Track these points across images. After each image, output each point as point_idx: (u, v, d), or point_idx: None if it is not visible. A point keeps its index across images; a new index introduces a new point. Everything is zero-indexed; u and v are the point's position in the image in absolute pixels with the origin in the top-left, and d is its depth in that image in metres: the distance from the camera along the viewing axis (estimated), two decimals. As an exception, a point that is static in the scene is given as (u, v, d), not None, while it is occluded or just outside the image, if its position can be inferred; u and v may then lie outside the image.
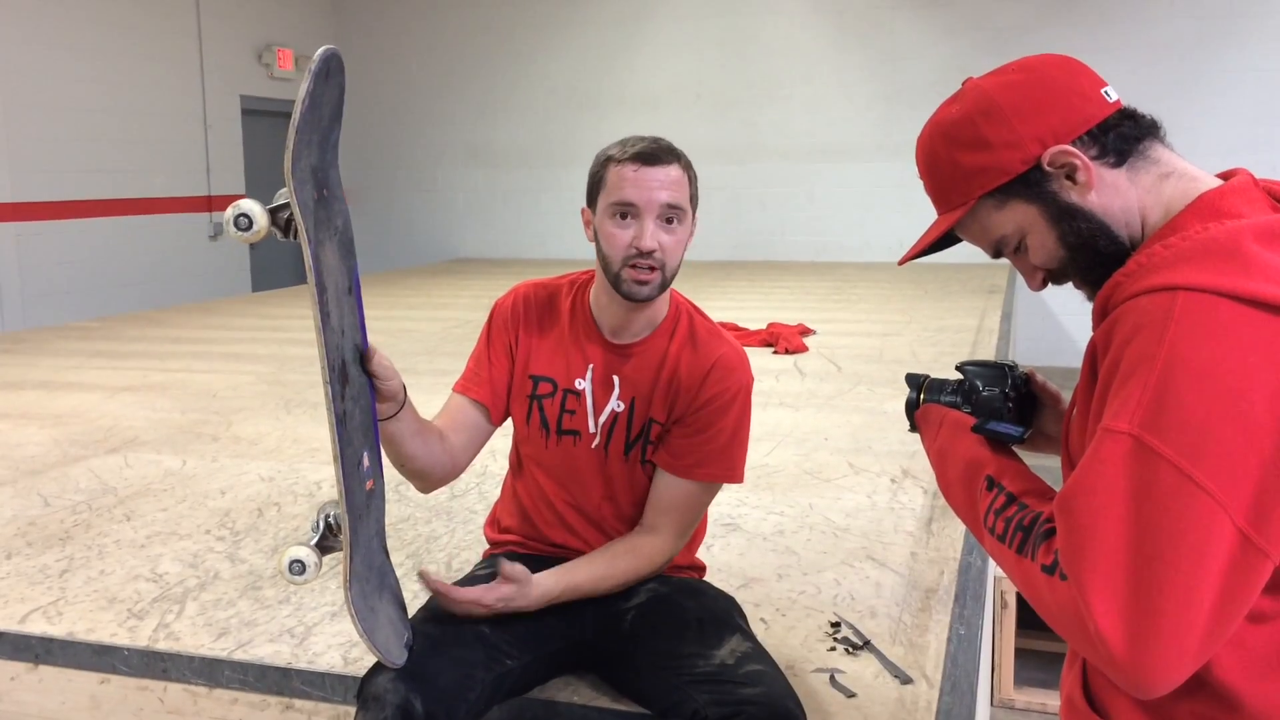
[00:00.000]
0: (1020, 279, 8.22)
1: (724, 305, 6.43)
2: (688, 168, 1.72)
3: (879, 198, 8.93)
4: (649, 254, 1.66)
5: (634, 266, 1.67)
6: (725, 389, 1.75)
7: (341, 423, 1.41)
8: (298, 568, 1.43)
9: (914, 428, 1.40)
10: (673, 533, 1.77)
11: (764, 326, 5.53)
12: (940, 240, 1.23)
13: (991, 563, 3.28)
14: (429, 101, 10.22)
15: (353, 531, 1.43)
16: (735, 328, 5.53)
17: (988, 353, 4.99)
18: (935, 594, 2.24)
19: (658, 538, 1.76)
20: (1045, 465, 1.29)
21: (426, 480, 1.74)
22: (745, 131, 9.35)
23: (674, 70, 9.48)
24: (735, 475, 1.80)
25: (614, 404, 1.77)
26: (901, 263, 1.29)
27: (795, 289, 7.56)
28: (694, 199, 1.74)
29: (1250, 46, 8.08)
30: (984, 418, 1.28)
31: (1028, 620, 3.57)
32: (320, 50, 1.35)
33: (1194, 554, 0.92)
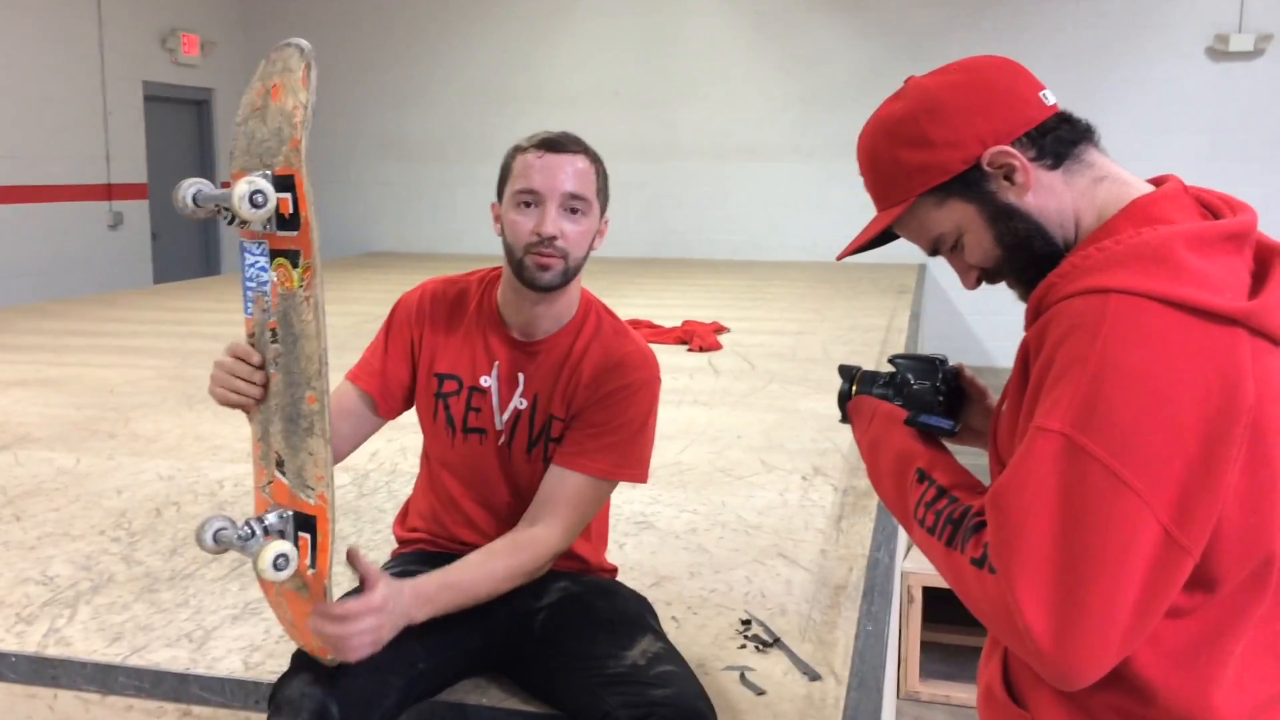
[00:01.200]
0: (928, 280, 8.29)
1: (640, 302, 6.43)
2: (596, 161, 1.71)
3: (795, 197, 9.03)
4: (550, 240, 1.64)
5: (537, 253, 1.65)
6: (627, 384, 1.72)
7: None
8: (283, 562, 1.38)
9: (846, 419, 1.40)
10: (557, 528, 1.68)
11: (679, 324, 5.54)
12: (878, 237, 1.24)
13: (899, 558, 3.34)
14: (342, 92, 10.00)
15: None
16: (650, 325, 5.53)
17: (897, 351, 5.07)
18: (844, 591, 2.27)
19: (539, 530, 1.68)
20: (976, 464, 1.30)
21: None
22: (663, 130, 9.36)
23: (592, 67, 9.45)
24: (632, 473, 1.75)
25: (517, 401, 1.75)
26: (840, 258, 1.30)
27: (711, 287, 7.60)
28: (603, 195, 1.72)
29: (1147, 57, 8.37)
30: (915, 411, 1.29)
31: (932, 614, 3.64)
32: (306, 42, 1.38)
33: (1120, 551, 0.95)
